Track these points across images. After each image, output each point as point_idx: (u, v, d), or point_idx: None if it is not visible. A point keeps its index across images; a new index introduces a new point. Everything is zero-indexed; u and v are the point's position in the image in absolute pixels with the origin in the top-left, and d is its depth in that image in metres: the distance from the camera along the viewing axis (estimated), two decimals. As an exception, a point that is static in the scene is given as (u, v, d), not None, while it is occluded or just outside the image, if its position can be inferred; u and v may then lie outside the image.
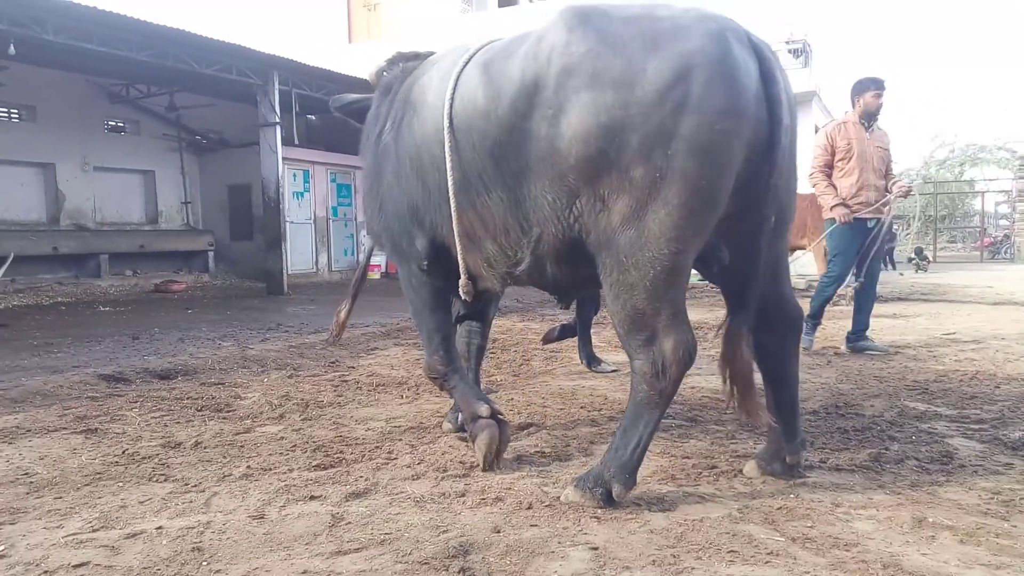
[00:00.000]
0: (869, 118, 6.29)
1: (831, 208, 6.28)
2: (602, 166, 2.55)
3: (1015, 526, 2.61)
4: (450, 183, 3.01)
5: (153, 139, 15.27)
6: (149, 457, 3.47)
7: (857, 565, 2.32)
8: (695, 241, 2.59)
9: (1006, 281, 13.48)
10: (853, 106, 6.38)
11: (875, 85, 6.29)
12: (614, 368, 5.57)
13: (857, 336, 6.45)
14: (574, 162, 2.60)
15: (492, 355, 6.35)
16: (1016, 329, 7.51)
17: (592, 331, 5.74)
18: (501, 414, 3.36)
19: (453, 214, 3.08)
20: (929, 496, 2.92)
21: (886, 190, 6.30)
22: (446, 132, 2.99)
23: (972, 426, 3.93)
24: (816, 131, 24.81)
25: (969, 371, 5.35)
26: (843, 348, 6.47)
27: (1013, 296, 10.87)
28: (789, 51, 18.93)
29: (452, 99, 3.02)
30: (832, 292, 6.65)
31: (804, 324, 5.97)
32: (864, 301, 6.49)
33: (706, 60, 2.45)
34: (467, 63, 3.08)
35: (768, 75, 2.56)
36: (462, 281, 3.30)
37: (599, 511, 2.75)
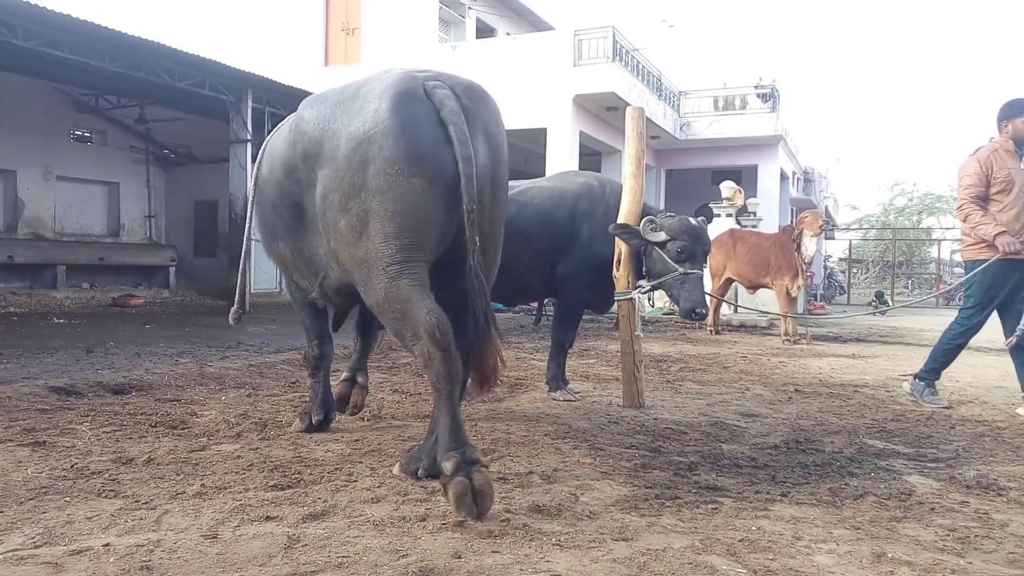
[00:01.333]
0: (1021, 144, 5.49)
1: (995, 236, 5.28)
2: (329, 223, 3.20)
3: (970, 563, 2.64)
4: (246, 231, 4.21)
5: (120, 151, 15.04)
6: (99, 472, 3.35)
7: (818, 598, 2.31)
8: (407, 261, 3.05)
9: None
10: (1000, 131, 5.55)
11: None
12: (578, 393, 5.58)
13: None
14: (323, 225, 3.27)
15: (456, 381, 6.30)
16: (969, 372, 7.69)
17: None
18: (327, 424, 4.33)
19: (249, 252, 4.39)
20: (888, 532, 2.94)
21: None
22: (251, 188, 3.97)
23: (929, 464, 4.00)
24: (792, 175, 25.40)
25: (925, 411, 5.45)
26: None
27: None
28: (758, 95, 19.42)
29: (260, 161, 3.94)
30: (964, 343, 5.75)
31: (917, 382, 5.80)
32: None
33: (379, 123, 3.03)
34: (276, 130, 3.93)
35: (446, 120, 3.03)
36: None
37: (562, 539, 2.72)
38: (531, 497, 3.21)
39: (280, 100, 12.81)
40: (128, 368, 6.08)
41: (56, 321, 10.04)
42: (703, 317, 5.18)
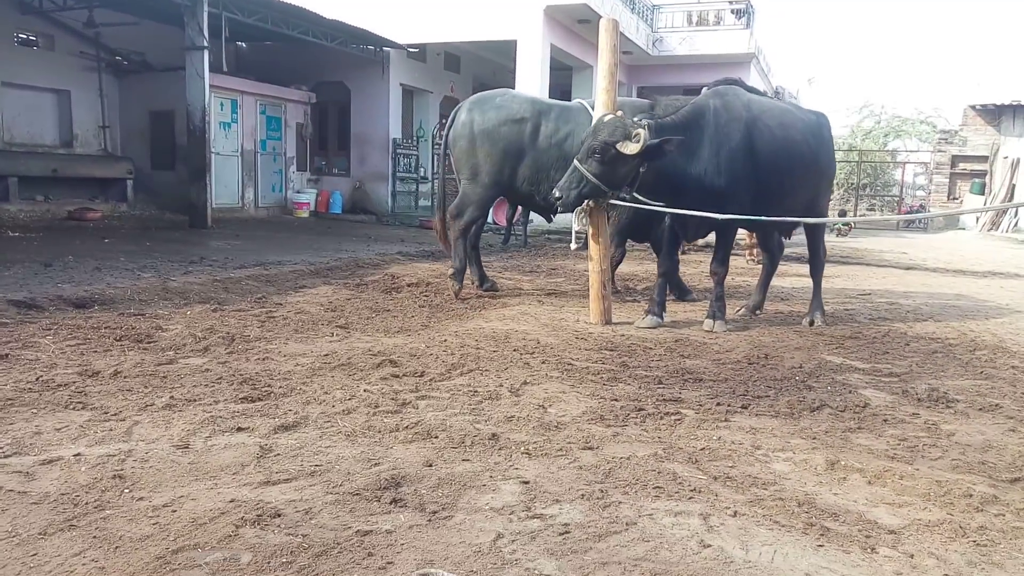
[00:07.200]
0: None
1: None
2: None
3: (918, 469, 2.78)
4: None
5: (69, 56, 14.27)
6: (65, 385, 3.32)
7: (774, 502, 2.43)
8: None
9: (919, 248, 14.15)
10: None
11: None
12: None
13: None
14: None
15: (425, 297, 6.32)
16: (925, 292, 7.92)
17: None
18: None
19: None
20: (842, 441, 3.07)
21: None
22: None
23: (884, 379, 4.15)
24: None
25: (882, 329, 5.62)
26: None
27: (924, 262, 11.43)
28: (732, 11, 19.02)
29: None
30: None
31: None
32: None
33: None
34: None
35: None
36: None
37: (530, 448, 2.79)
38: (501, 409, 3.27)
39: (238, 5, 12.18)
40: (89, 282, 5.96)
41: (10, 234, 9.73)
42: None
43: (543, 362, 4.18)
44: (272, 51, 16.53)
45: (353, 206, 16.18)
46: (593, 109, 6.02)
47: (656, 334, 5.15)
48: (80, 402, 3.10)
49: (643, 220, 6.30)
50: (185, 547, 1.98)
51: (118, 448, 2.63)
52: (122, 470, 2.44)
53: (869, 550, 2.15)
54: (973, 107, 20.87)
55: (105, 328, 4.48)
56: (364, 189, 16.32)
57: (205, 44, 11.58)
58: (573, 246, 5.74)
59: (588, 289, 5.61)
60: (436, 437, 2.87)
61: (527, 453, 2.75)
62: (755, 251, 10.68)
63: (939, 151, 21.80)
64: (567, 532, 2.16)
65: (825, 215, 6.39)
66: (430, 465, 2.60)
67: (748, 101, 5.45)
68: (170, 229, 11.60)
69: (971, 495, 2.55)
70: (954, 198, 21.39)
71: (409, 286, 6.77)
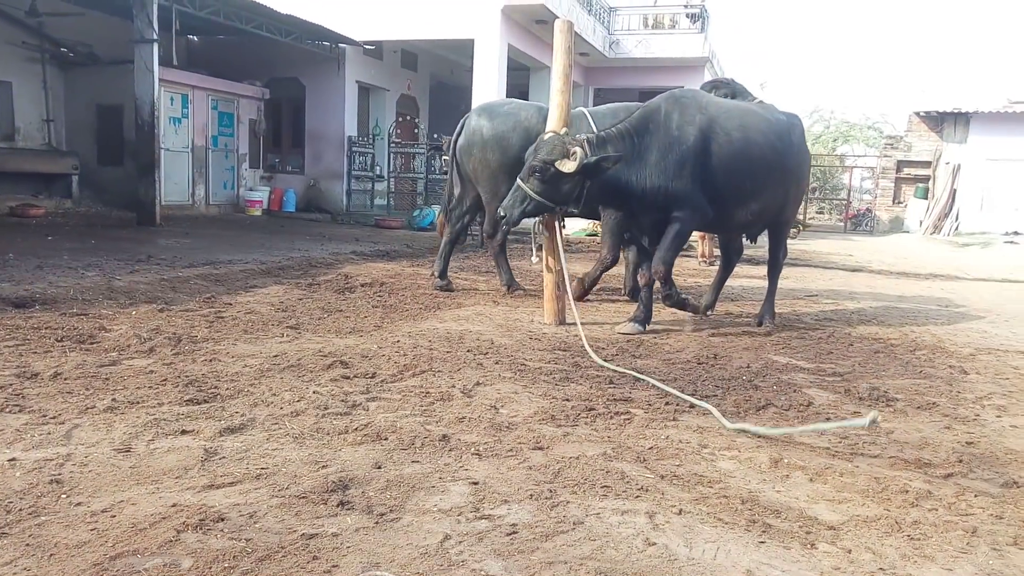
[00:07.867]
0: None
1: None
2: None
3: (857, 466, 2.86)
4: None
5: (9, 46, 13.79)
6: (1, 387, 3.22)
7: (719, 500, 2.48)
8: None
9: (865, 251, 14.55)
10: None
11: None
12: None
13: None
14: None
15: (378, 297, 6.27)
16: (870, 293, 8.14)
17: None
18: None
19: None
20: (785, 439, 3.14)
21: None
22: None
23: (828, 378, 4.26)
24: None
25: (827, 330, 5.77)
26: None
27: (870, 264, 11.76)
28: (687, 15, 19.29)
29: None
30: None
31: None
32: None
33: None
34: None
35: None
36: None
37: (481, 449, 2.79)
38: (452, 410, 3.27)
39: (189, -3, 11.93)
40: (30, 281, 5.77)
41: (-54, 230, 9.38)
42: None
43: (496, 363, 4.18)
44: (225, 46, 16.24)
45: (307, 204, 15.99)
46: (593, 118, 6.03)
47: (610, 334, 5.20)
48: (17, 405, 3.01)
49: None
50: (124, 553, 1.94)
51: (56, 452, 2.56)
52: (60, 475, 2.37)
53: (809, 546, 2.20)
54: (918, 113, 21.49)
55: (46, 328, 4.34)
56: (318, 187, 16.13)
57: (155, 37, 11.31)
58: (534, 259, 5.68)
59: (543, 290, 5.63)
60: (386, 439, 2.86)
61: (477, 454, 2.75)
62: (707, 253, 10.86)
63: (885, 156, 22.40)
64: (515, 532, 2.17)
65: (793, 220, 6.41)
66: (379, 467, 2.59)
67: (706, 103, 5.44)
68: (117, 227, 11.30)
69: (907, 491, 2.63)
70: (899, 202, 22.01)
71: (363, 286, 6.71)
